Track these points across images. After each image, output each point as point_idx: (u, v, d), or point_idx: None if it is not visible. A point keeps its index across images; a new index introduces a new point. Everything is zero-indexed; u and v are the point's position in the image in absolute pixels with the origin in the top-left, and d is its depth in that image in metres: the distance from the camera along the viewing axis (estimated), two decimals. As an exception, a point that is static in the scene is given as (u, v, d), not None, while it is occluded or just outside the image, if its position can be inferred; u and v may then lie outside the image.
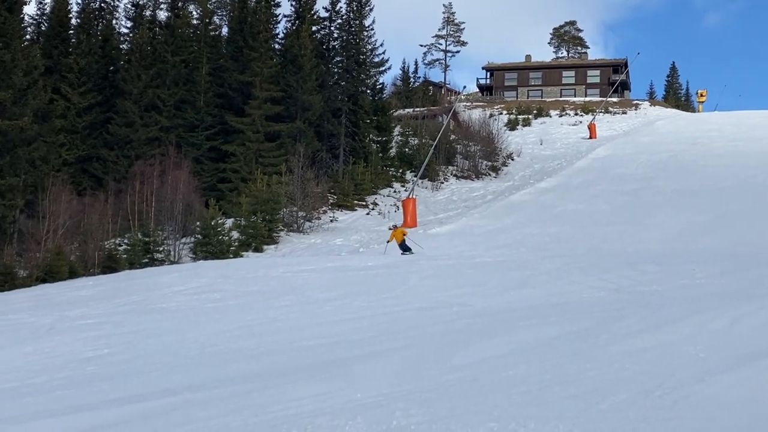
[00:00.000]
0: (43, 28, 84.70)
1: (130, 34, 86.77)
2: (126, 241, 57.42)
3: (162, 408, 10.61)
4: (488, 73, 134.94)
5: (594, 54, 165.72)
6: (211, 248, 54.80)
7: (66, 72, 76.39)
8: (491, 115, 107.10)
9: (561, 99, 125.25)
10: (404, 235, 43.96)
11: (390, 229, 48.83)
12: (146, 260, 53.87)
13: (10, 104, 54.49)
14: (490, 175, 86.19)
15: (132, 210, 62.57)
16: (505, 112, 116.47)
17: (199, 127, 76.74)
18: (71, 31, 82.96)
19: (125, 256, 54.20)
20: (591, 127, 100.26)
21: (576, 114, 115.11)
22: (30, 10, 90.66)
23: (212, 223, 56.29)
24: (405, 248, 42.71)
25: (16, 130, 54.04)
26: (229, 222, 61.20)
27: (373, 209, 73.56)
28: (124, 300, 28.84)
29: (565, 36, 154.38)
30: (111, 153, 74.29)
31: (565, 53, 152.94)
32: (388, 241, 45.26)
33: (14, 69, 56.78)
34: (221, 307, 24.86)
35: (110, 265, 51.85)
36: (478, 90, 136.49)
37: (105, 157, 74.28)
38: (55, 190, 56.80)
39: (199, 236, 56.91)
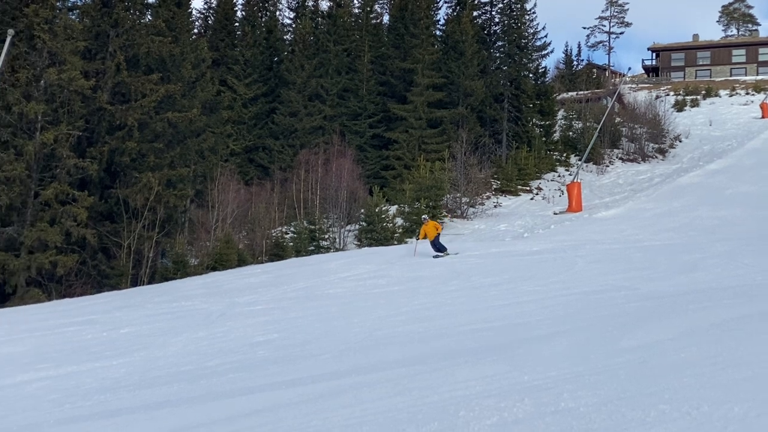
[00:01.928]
0: (209, 22, 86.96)
1: (293, 25, 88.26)
2: (292, 229, 58.36)
3: (330, 390, 10.66)
4: (654, 54, 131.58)
5: (765, 31, 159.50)
6: (376, 235, 55.10)
7: (232, 64, 78.18)
8: (657, 97, 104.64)
9: (731, 78, 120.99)
10: (438, 230, 38.11)
11: (423, 221, 39.83)
12: (312, 248, 54.58)
13: (179, 97, 55.98)
14: (656, 157, 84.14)
15: (297, 198, 63.54)
16: (671, 93, 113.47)
17: (362, 115, 77.34)
18: (236, 24, 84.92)
19: (291, 243, 55.04)
20: (763, 107, 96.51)
21: (747, 93, 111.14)
22: (197, 4, 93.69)
23: (376, 210, 56.60)
24: (438, 247, 37.01)
25: (186, 122, 55.46)
26: (393, 209, 61.44)
27: (537, 194, 72.76)
28: (292, 286, 29.14)
29: (735, 13, 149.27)
30: (276, 143, 75.66)
31: (734, 31, 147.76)
32: (417, 238, 39.86)
33: (183, 62, 58.37)
34: (387, 293, 24.82)
35: (277, 252, 52.74)
36: (643, 71, 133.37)
37: (270, 147, 75.71)
38: (224, 180, 58.17)
39: (363, 223, 57.33)
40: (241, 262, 49.25)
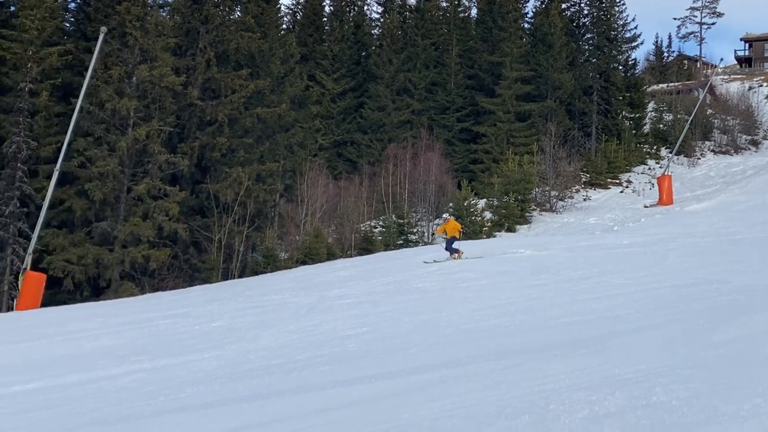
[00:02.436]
0: (298, 17, 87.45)
1: (381, 20, 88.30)
2: (381, 223, 58.47)
3: (420, 383, 10.58)
4: (747, 44, 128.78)
5: None
6: (465, 229, 54.80)
7: (320, 59, 78.56)
8: (750, 88, 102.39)
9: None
10: (459, 231, 36.38)
11: (444, 219, 38.27)
12: (401, 241, 54.63)
13: (268, 92, 56.44)
14: (749, 149, 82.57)
15: (386, 192, 63.60)
16: (765, 83, 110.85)
17: (450, 108, 77.17)
18: (324, 19, 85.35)
19: (380, 237, 55.15)
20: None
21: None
22: (286, 0, 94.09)
23: (465, 204, 56.37)
24: (451, 248, 34.98)
25: (275, 117, 55.94)
26: (482, 203, 61.17)
27: (626, 187, 71.86)
28: (381, 280, 29.13)
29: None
30: (364, 137, 75.86)
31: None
32: (434, 233, 38.90)
33: (272, 58, 58.82)
34: (475, 287, 24.66)
35: (366, 246, 52.88)
36: (735, 62, 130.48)
37: (359, 141, 75.94)
38: (312, 175, 58.47)
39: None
40: (330, 256, 49.48)
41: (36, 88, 50.26)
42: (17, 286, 43.47)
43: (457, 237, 35.85)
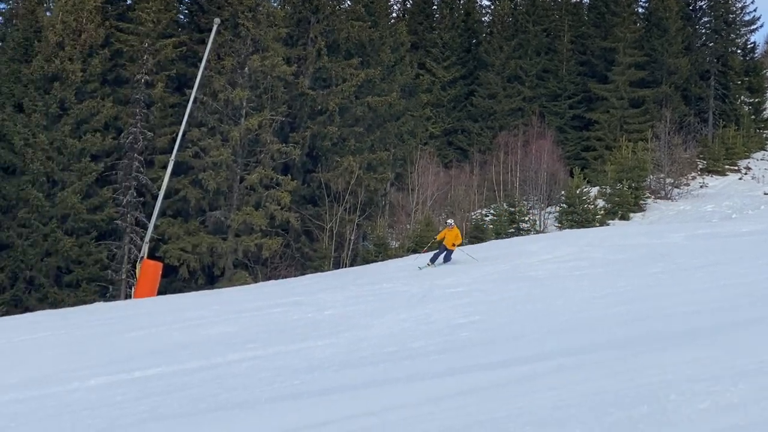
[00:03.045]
0: (408, 5, 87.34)
1: (492, 6, 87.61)
2: (492, 211, 58.13)
3: (536, 372, 10.46)
4: None
5: None
6: (577, 217, 54.24)
7: (431, 47, 78.41)
8: None
9: None
10: (457, 243, 33.51)
11: (447, 226, 34.92)
12: (512, 230, 54.21)
13: (378, 81, 56.51)
14: None
15: (496, 180, 63.27)
16: None
17: (562, 95, 76.36)
18: (434, 7, 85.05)
19: (491, 226, 54.81)
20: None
21: None
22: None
23: (577, 192, 55.68)
24: (447, 258, 33.02)
25: (385, 106, 55.99)
26: (594, 190, 60.34)
27: (745, 174, 70.07)
28: (492, 269, 28.88)
29: None
30: (475, 125, 75.58)
31: None
32: (432, 243, 35.91)
33: (382, 46, 58.88)
34: (589, 275, 24.25)
35: (477, 235, 52.57)
36: None
37: (469, 129, 75.70)
38: (423, 163, 58.44)
39: (564, 205, 56.61)
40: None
41: (152, 80, 51.28)
42: (135, 274, 44.42)
43: (458, 244, 33.36)
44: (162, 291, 42.07)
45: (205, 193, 49.94)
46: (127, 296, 45.79)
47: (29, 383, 14.87)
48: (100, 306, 34.56)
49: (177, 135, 46.20)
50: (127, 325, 22.89)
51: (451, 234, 33.08)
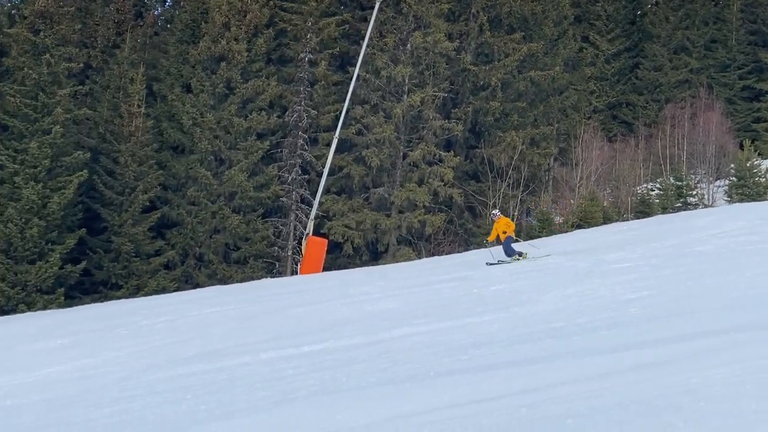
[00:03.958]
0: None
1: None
2: (657, 185, 56.80)
3: (708, 348, 10.23)
4: None
5: None
6: (747, 190, 52.41)
7: (594, 19, 76.95)
8: None
9: None
10: (510, 229, 30.59)
11: (493, 218, 32.37)
12: (679, 204, 52.86)
13: (541, 55, 55.81)
14: None
15: (663, 154, 61.77)
16: None
17: (731, 66, 73.86)
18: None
19: (657, 200, 53.59)
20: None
21: None
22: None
23: (747, 165, 53.80)
24: (509, 251, 29.89)
25: (548, 80, 55.26)
26: (766, 163, 58.09)
27: None
28: (660, 243, 28.25)
29: None
30: (640, 98, 73.95)
31: None
32: (487, 241, 32.47)
33: (544, 20, 58.12)
34: (761, 250, 23.36)
35: (643, 209, 51.52)
36: None
37: (634, 103, 74.12)
38: (587, 137, 57.51)
39: (733, 179, 54.78)
40: (606, 220, 48.48)
41: (315, 58, 51.92)
42: (300, 250, 45.24)
43: (511, 230, 30.54)
44: (327, 267, 42.77)
45: (369, 170, 50.33)
46: (293, 272, 46.63)
47: (202, 357, 15.35)
48: (267, 282, 35.45)
49: (340, 113, 46.76)
50: (294, 300, 23.40)
51: (499, 225, 30.42)
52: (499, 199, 51.26)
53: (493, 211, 32.49)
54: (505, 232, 30.01)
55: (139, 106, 48.51)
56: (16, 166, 43.60)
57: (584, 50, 72.09)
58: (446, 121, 51.36)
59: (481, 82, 53.31)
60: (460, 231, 51.52)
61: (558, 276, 22.46)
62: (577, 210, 50.93)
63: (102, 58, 52.99)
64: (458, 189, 50.70)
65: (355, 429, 7.88)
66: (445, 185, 49.75)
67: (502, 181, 51.82)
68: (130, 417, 10.54)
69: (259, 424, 8.67)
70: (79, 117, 47.71)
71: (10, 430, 11.36)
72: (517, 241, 31.41)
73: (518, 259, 29.08)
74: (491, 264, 28.88)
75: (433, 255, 46.07)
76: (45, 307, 40.81)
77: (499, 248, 30.48)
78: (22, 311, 40.31)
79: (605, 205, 52.98)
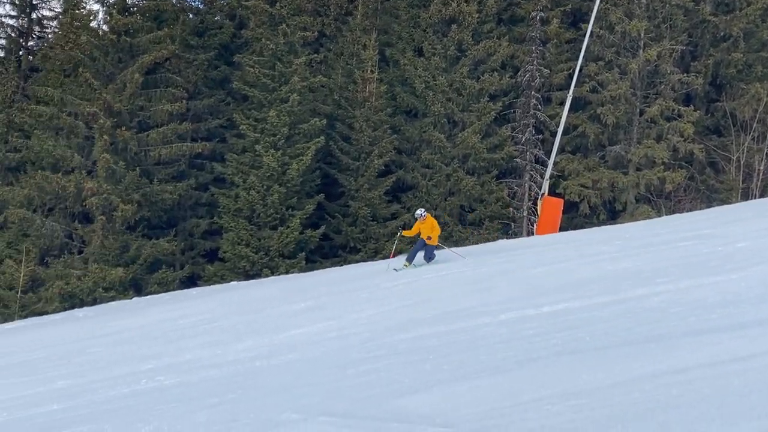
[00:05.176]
0: None
1: None
2: None
3: None
4: None
5: None
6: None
7: None
8: None
9: None
10: (430, 238, 27.88)
11: (417, 217, 28.76)
12: None
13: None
14: None
15: None
16: None
17: None
18: None
19: None
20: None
21: None
22: None
23: None
24: (430, 255, 27.93)
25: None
26: None
27: None
28: None
29: None
30: None
31: None
32: (400, 234, 30.41)
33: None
34: None
35: None
36: None
37: None
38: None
39: None
40: None
41: (547, 16, 51.26)
42: (536, 211, 44.99)
43: (431, 243, 28.04)
44: (563, 227, 42.34)
45: (604, 128, 49.37)
46: (529, 233, 46.43)
47: (442, 318, 15.43)
48: (503, 243, 35.39)
49: (573, 71, 46.00)
50: (532, 261, 23.19)
51: (425, 226, 27.91)
52: (743, 153, 49.15)
53: (418, 211, 29.14)
54: (430, 238, 27.72)
55: (372, 72, 49.40)
56: (256, 134, 45.39)
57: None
58: (685, 74, 49.59)
59: (722, 33, 51.12)
60: (701, 188, 49.77)
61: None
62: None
63: (335, 26, 54.02)
64: (699, 144, 48.99)
65: (599, 389, 7.67)
66: (684, 141, 48.17)
67: (745, 135, 49.65)
68: (374, 377, 10.68)
69: (502, 384, 8.60)
70: (314, 85, 49.00)
71: (259, 390, 11.76)
72: (440, 248, 28.97)
73: (406, 266, 27.26)
74: (397, 270, 26.89)
75: (673, 213, 44.77)
76: (287, 271, 42.30)
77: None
78: (266, 275, 41.97)
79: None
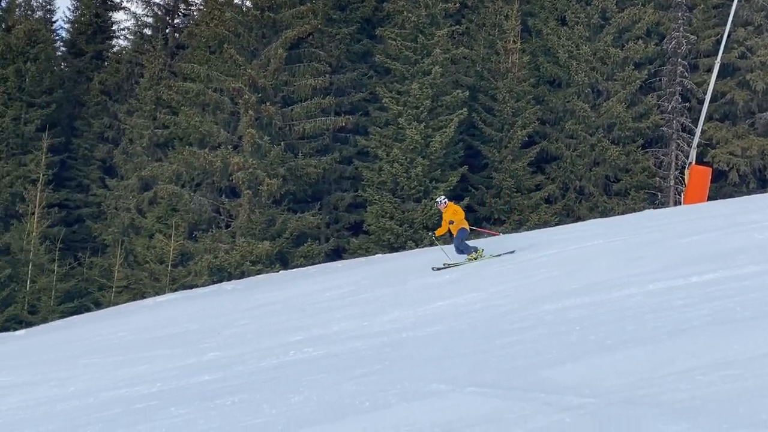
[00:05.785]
0: None
1: None
2: None
3: None
4: None
5: None
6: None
7: None
8: None
9: None
10: (459, 218, 25.85)
11: (438, 205, 27.19)
12: None
13: None
14: None
15: None
16: None
17: None
18: None
19: None
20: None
21: None
22: None
23: None
24: (461, 247, 25.45)
25: None
26: None
27: None
28: None
29: None
30: None
31: None
32: (434, 235, 27.92)
33: None
34: None
35: None
36: None
37: None
38: None
39: None
40: None
41: (693, -19, 50.02)
42: (683, 180, 44.07)
43: (466, 226, 26.30)
44: (711, 197, 41.38)
45: (754, 95, 48.06)
46: (676, 203, 45.58)
47: (588, 289, 15.34)
48: (650, 213, 34.83)
49: (721, 36, 44.78)
50: (680, 231, 22.78)
51: (448, 212, 26.05)
52: None
53: (438, 198, 27.85)
54: (452, 222, 25.80)
55: (514, 42, 49.08)
56: (399, 107, 45.65)
57: None
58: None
59: None
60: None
61: None
62: None
63: (477, -4, 53.81)
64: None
65: (752, 359, 7.58)
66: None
67: None
68: (520, 348, 10.74)
69: (652, 354, 8.55)
70: (456, 56, 48.92)
71: (406, 361, 11.95)
72: (471, 232, 27.63)
73: (474, 258, 25.11)
74: (438, 269, 25.05)
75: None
76: (431, 244, 42.50)
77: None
78: (411, 248, 42.29)
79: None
